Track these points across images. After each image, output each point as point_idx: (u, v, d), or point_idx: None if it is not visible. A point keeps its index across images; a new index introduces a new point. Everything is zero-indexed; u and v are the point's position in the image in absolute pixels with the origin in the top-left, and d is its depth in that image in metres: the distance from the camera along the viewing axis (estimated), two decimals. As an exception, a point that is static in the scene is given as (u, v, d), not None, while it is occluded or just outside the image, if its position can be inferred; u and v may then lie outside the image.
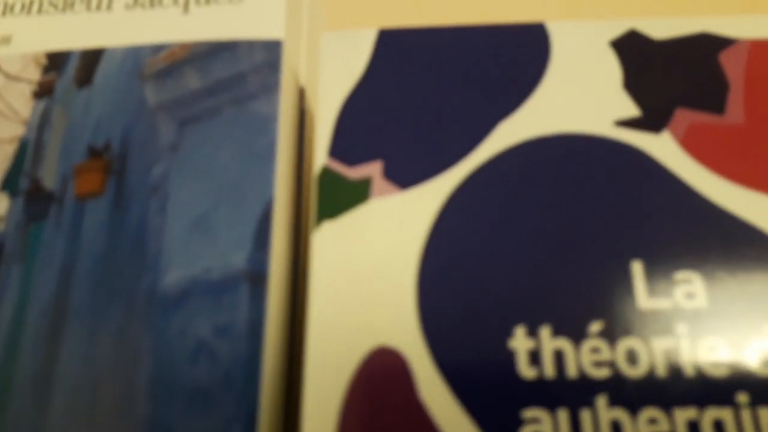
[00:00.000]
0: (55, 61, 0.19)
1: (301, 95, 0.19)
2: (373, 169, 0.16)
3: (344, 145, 0.17)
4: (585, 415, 0.14)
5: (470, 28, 0.18)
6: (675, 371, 0.14)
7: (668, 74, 0.17)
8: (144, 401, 0.14)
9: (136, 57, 0.18)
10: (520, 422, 0.14)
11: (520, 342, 0.14)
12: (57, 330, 0.15)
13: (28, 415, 0.14)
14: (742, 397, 0.14)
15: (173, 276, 0.15)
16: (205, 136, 0.17)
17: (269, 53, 0.18)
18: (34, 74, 0.18)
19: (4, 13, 0.20)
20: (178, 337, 0.14)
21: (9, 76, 0.19)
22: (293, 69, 0.18)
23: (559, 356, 0.14)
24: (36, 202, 0.17)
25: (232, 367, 0.14)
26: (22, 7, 0.20)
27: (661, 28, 0.18)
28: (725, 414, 0.13)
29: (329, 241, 0.16)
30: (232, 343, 0.14)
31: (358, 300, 0.15)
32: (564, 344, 0.14)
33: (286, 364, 0.15)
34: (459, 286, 0.15)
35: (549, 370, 0.14)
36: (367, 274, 0.15)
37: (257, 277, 0.15)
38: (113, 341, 0.15)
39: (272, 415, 0.14)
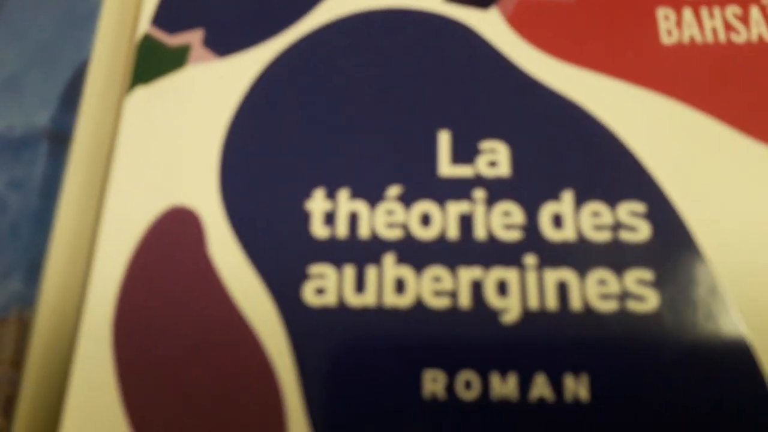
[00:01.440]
0: None
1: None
2: (193, 37, 0.16)
3: (167, 14, 0.16)
4: (371, 272, 0.14)
5: None
6: (466, 234, 0.14)
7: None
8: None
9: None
10: (305, 277, 0.14)
11: (317, 203, 0.14)
12: None
13: None
14: (530, 260, 0.14)
15: (-25, 132, 0.15)
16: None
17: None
18: None
19: None
20: (-29, 190, 0.14)
21: None
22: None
23: (353, 217, 0.14)
24: None
25: (21, 218, 0.14)
26: None
27: None
28: (510, 275, 0.13)
29: (141, 105, 0.15)
30: (24, 196, 0.14)
31: (161, 162, 0.15)
32: (360, 206, 0.14)
33: (89, 223, 0.15)
34: (263, 151, 0.15)
35: (342, 230, 0.14)
36: (175, 138, 0.15)
37: (59, 137, 0.15)
38: None
39: (62, 267, 0.14)
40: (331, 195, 0.14)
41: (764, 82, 0.15)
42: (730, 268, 0.13)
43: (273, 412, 0.13)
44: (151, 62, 0.16)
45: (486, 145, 0.15)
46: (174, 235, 0.14)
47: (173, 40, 0.16)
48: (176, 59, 0.16)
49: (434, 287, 0.13)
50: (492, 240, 0.14)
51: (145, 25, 0.16)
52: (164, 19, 0.16)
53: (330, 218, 0.14)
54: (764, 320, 0.13)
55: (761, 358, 0.12)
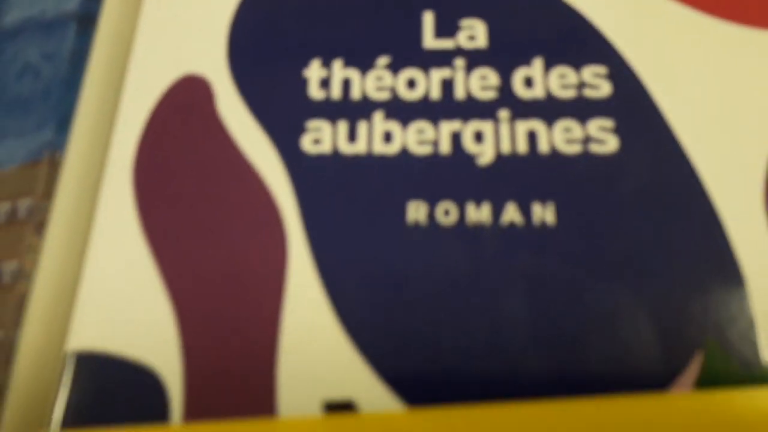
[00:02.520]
0: None
1: None
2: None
3: None
4: (362, 126, 0.15)
5: None
6: (447, 95, 0.15)
7: None
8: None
9: None
10: (303, 130, 0.15)
11: (314, 71, 0.16)
12: None
13: None
14: (504, 114, 0.15)
15: (12, 16, 0.17)
16: None
17: None
18: None
19: None
20: (9, 62, 0.16)
21: None
22: None
23: (346, 83, 0.16)
24: None
25: (53, 83, 0.16)
26: None
27: None
28: (486, 126, 0.15)
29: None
30: (55, 65, 0.16)
31: (177, 37, 0.16)
32: (352, 74, 0.16)
33: (113, 87, 0.17)
34: (267, 26, 0.16)
35: (336, 93, 0.16)
36: (189, 15, 0.17)
37: (86, 18, 0.17)
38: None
39: (89, 120, 0.16)
40: (326, 64, 0.16)
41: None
42: (681, 115, 0.15)
43: (277, 246, 0.14)
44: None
45: (466, 22, 0.16)
46: (187, 98, 0.16)
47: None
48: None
49: (418, 137, 0.15)
50: (470, 99, 0.15)
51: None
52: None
53: (325, 83, 0.16)
54: (714, 154, 0.14)
55: (709, 188, 0.14)
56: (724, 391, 0.12)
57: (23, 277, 0.13)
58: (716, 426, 0.11)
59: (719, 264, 0.13)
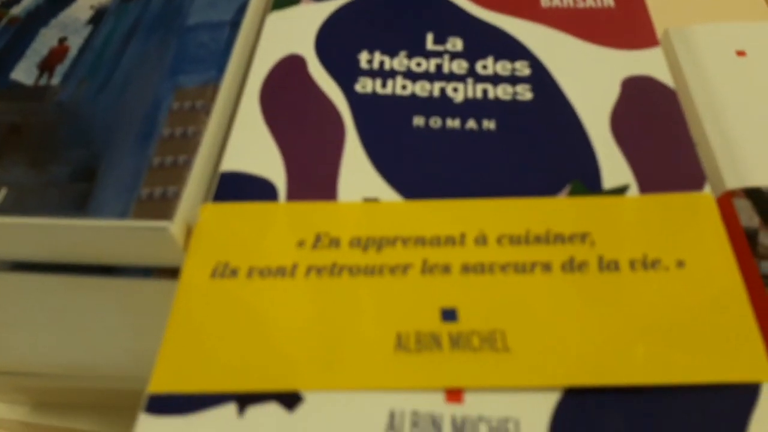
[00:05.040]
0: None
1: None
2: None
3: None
4: (389, 81, 0.26)
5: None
6: (438, 70, 0.27)
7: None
8: None
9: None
10: (356, 81, 0.26)
11: (363, 55, 0.28)
12: None
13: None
14: (470, 80, 0.26)
15: (193, 19, 0.28)
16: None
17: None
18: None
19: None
20: (192, 39, 0.28)
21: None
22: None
23: (381, 62, 0.27)
24: None
25: (215, 52, 0.27)
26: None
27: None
28: (460, 85, 0.26)
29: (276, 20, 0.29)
30: (217, 43, 0.27)
31: (285, 32, 0.28)
32: (385, 57, 0.27)
33: (248, 62, 0.28)
34: (340, 27, 0.28)
35: (375, 65, 0.27)
36: (294, 20, 0.29)
37: (235, 23, 0.28)
38: None
39: (234, 72, 0.27)
40: (370, 52, 0.28)
41: None
42: (567, 82, 0.26)
43: (339, 133, 0.25)
44: None
45: (450, 38, 0.28)
46: (291, 65, 0.27)
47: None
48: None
49: (421, 88, 0.26)
50: (452, 73, 0.27)
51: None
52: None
53: (369, 61, 0.27)
54: (579, 87, 0.25)
55: (577, 108, 0.25)
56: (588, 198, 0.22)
57: (198, 135, 0.24)
58: (587, 218, 0.21)
59: (580, 146, 0.24)
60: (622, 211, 0.22)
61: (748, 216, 0.26)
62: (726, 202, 0.27)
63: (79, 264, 0.24)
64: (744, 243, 0.25)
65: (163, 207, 0.22)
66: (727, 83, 0.29)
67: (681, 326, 0.19)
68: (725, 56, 0.31)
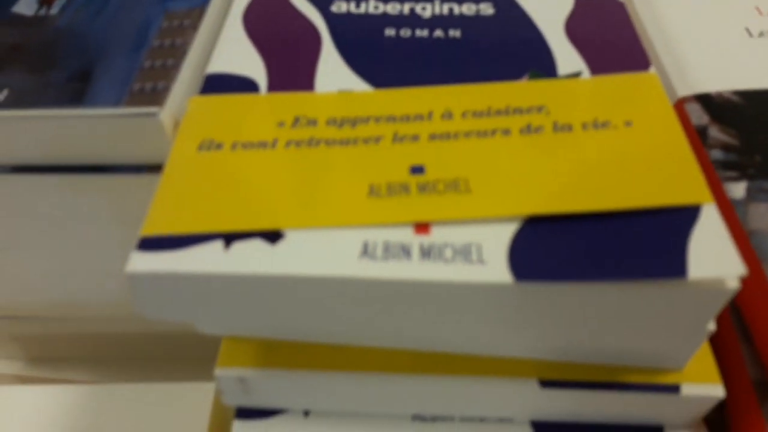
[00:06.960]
0: None
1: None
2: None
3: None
4: (362, 2, 0.29)
5: None
6: (408, -5, 0.29)
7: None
8: None
9: None
10: (332, 2, 0.29)
11: (339, -15, 0.30)
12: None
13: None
14: (437, 1, 0.29)
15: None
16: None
17: None
18: None
19: None
20: (178, -25, 0.30)
21: None
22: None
23: (356, -11, 0.30)
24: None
25: (202, -18, 0.29)
26: None
27: None
28: (428, 5, 0.28)
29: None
30: (203, -24, 0.30)
31: (266, -26, 0.31)
32: None
33: None
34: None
35: (350, -7, 0.29)
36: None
37: (220, -39, 0.31)
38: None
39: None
40: (346, -17, 0.30)
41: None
42: (531, 4, 0.28)
43: (316, 41, 0.27)
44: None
45: (419, -30, 0.31)
46: (272, -7, 0.29)
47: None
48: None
49: (392, 8, 0.29)
50: (420, -3, 0.29)
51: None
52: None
53: (345, -11, 0.30)
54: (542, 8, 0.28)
55: (537, 22, 0.27)
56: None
57: (186, 45, 0.26)
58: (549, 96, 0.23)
59: (537, 46, 0.26)
60: (575, 88, 0.24)
61: (698, 116, 0.28)
62: (679, 108, 0.29)
63: (74, 165, 0.25)
64: (696, 136, 0.27)
65: (153, 97, 0.24)
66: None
67: (628, 165, 0.20)
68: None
